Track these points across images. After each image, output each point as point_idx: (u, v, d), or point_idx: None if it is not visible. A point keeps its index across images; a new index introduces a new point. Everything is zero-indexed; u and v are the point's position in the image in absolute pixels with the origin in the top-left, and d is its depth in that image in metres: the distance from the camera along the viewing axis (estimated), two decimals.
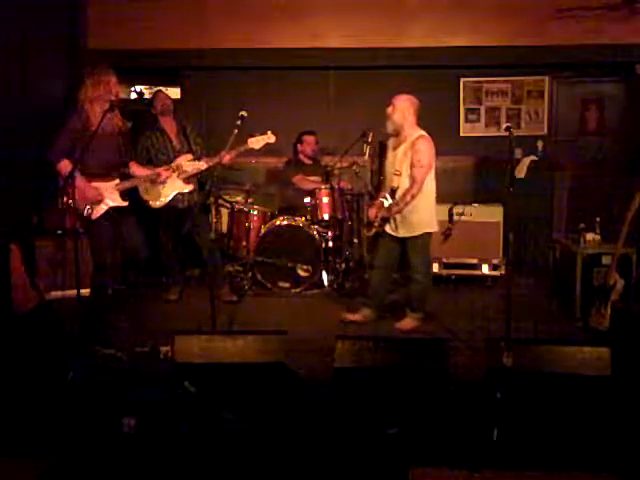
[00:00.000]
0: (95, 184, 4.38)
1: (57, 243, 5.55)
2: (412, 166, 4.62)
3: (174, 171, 5.15)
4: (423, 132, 4.73)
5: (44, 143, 5.52)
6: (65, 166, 4.25)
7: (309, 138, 6.33)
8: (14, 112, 5.44)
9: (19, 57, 5.53)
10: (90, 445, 3.07)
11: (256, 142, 5.17)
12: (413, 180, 4.63)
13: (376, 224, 4.82)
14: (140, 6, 6.58)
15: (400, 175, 4.65)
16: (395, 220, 4.75)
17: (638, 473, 2.73)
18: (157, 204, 5.26)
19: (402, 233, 4.76)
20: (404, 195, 4.63)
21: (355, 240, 6.21)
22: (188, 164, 5.19)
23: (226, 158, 4.97)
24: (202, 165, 5.20)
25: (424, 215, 4.73)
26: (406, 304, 4.99)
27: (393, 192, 4.66)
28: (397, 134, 4.76)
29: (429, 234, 4.82)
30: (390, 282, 5.13)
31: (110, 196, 4.40)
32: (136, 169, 4.87)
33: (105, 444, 3.10)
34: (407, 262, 4.87)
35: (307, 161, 6.37)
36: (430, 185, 4.74)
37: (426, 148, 4.64)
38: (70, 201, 4.30)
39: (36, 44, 5.72)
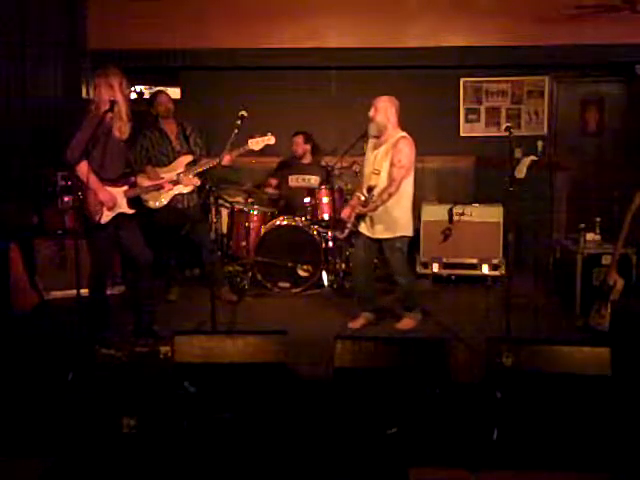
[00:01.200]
0: (108, 189, 4.36)
1: (57, 243, 5.56)
2: (391, 165, 4.61)
3: (177, 183, 5.14)
4: (405, 133, 4.71)
5: (43, 143, 5.53)
6: (84, 168, 4.20)
7: (296, 138, 6.34)
8: (14, 112, 5.45)
9: (19, 57, 5.54)
10: (90, 445, 3.07)
11: (256, 143, 5.17)
12: (391, 179, 4.61)
13: (349, 225, 4.80)
14: (140, 6, 6.58)
15: (379, 174, 4.64)
16: (371, 220, 4.72)
17: (638, 473, 2.73)
18: (156, 205, 5.25)
19: (377, 234, 4.74)
20: (381, 193, 4.62)
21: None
22: (190, 177, 5.18)
23: (226, 159, 4.96)
24: (198, 181, 5.23)
25: (400, 217, 4.70)
26: (401, 305, 5.03)
27: (370, 190, 4.63)
28: (379, 135, 4.73)
29: (406, 237, 4.77)
30: (373, 280, 5.15)
31: (119, 202, 4.38)
32: (141, 178, 4.84)
33: (105, 444, 3.10)
34: (387, 265, 4.89)
35: (303, 160, 6.36)
36: (408, 188, 4.71)
37: (408, 149, 4.63)
38: (77, 203, 4.27)
39: (36, 44, 5.72)
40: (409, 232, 4.78)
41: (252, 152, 5.25)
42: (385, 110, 4.68)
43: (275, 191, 6.39)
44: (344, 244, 6.05)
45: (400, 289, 4.93)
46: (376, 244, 4.81)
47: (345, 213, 4.86)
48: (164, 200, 5.25)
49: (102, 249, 4.48)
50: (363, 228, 4.80)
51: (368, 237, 4.78)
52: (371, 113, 4.72)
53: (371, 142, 4.84)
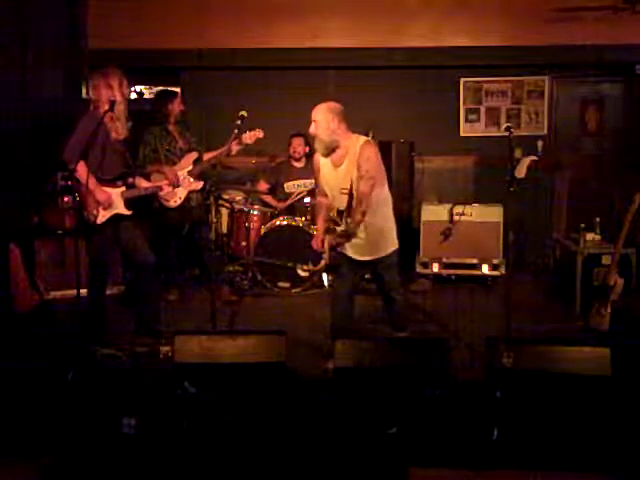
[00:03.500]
0: (105, 189, 4.36)
1: (57, 243, 5.56)
2: (359, 178, 3.91)
3: (174, 187, 5.18)
4: (366, 137, 4.13)
5: (43, 143, 5.53)
6: (82, 169, 4.18)
7: (296, 140, 6.30)
8: (14, 112, 5.45)
9: (19, 57, 5.53)
10: (90, 445, 3.08)
11: (249, 138, 5.25)
12: (361, 193, 3.91)
13: (325, 256, 4.19)
14: (140, 6, 6.58)
15: (347, 194, 3.96)
16: (357, 241, 4.09)
17: (638, 473, 2.73)
18: (177, 202, 5.29)
19: (369, 255, 4.14)
20: (354, 214, 3.95)
21: None
22: (187, 179, 5.23)
23: (234, 148, 5.06)
24: (199, 184, 5.32)
25: (389, 230, 4.19)
26: (389, 324, 4.50)
27: (340, 214, 4.03)
28: (333, 151, 4.04)
29: (397, 250, 4.25)
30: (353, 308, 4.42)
31: (116, 203, 4.39)
32: (139, 180, 4.85)
33: (105, 444, 3.10)
34: (381, 284, 4.36)
35: (297, 164, 6.34)
36: (386, 196, 4.15)
37: (373, 155, 3.97)
38: (73, 202, 4.28)
39: (36, 44, 5.72)
40: (396, 244, 4.24)
41: (253, 150, 5.28)
42: (326, 122, 3.96)
43: (278, 204, 6.26)
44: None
45: (395, 306, 4.36)
46: (365, 266, 4.26)
47: (317, 244, 4.19)
48: (179, 199, 5.28)
49: (100, 249, 4.49)
50: (350, 252, 4.13)
51: (356, 260, 4.16)
52: (311, 130, 4.01)
53: (328, 158, 4.11)
